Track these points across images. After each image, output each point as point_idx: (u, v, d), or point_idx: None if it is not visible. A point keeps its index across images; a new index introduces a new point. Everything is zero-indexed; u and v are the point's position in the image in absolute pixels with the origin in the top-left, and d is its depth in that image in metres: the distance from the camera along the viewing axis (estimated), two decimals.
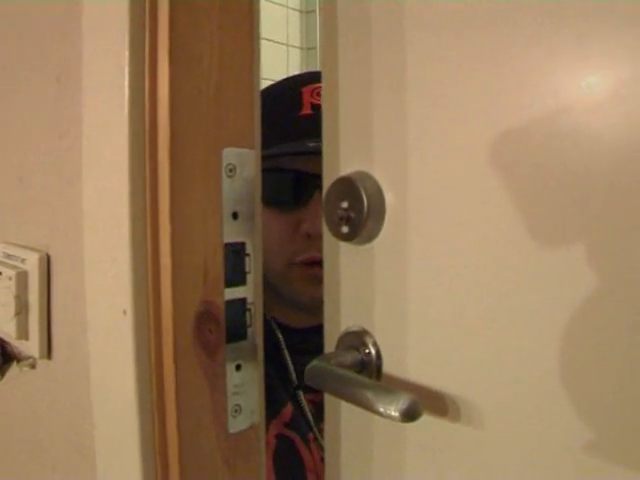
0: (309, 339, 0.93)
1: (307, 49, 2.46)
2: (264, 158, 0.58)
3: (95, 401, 0.57)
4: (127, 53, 0.48)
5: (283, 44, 2.39)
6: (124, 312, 0.50)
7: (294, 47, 2.43)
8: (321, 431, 0.89)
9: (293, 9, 2.43)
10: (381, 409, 0.45)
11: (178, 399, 0.51)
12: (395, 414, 0.44)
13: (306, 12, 2.46)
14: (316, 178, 0.81)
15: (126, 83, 0.48)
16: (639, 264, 0.37)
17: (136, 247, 0.50)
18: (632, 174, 0.37)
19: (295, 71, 2.36)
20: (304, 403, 0.91)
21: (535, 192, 0.41)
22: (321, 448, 0.89)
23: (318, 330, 0.96)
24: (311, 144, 0.81)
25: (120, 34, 0.49)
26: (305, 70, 2.41)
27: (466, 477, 0.47)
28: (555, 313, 0.41)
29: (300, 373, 0.92)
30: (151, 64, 0.49)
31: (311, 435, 0.91)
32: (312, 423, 0.90)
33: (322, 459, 0.88)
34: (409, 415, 0.44)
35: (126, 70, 0.48)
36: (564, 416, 0.41)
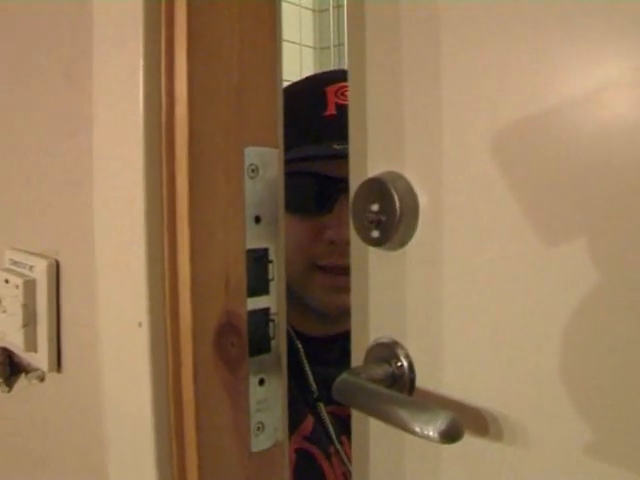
0: (329, 349, 0.91)
1: (320, 49, 2.47)
2: (286, 161, 0.56)
3: (108, 418, 0.55)
4: (142, 45, 0.45)
5: (296, 44, 2.41)
6: (139, 324, 0.48)
7: (307, 47, 2.45)
8: (343, 444, 0.88)
9: (306, 8, 2.44)
10: (417, 429, 0.43)
11: (198, 418, 0.49)
12: (434, 435, 0.42)
13: (319, 11, 2.47)
14: (341, 182, 0.79)
15: (141, 78, 0.46)
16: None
17: (152, 254, 0.47)
18: (636, 171, 0.37)
19: (308, 71, 2.37)
20: (325, 415, 0.89)
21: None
22: (343, 462, 0.88)
23: (338, 339, 0.94)
24: (337, 146, 0.79)
25: (134, 25, 0.46)
26: (318, 70, 2.41)
27: None
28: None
29: (320, 384, 0.90)
30: (168, 57, 0.47)
31: (332, 449, 0.89)
32: (334, 436, 0.89)
33: (344, 474, 0.87)
34: (449, 436, 0.42)
35: (141, 63, 0.45)
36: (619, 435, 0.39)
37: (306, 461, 0.86)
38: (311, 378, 0.90)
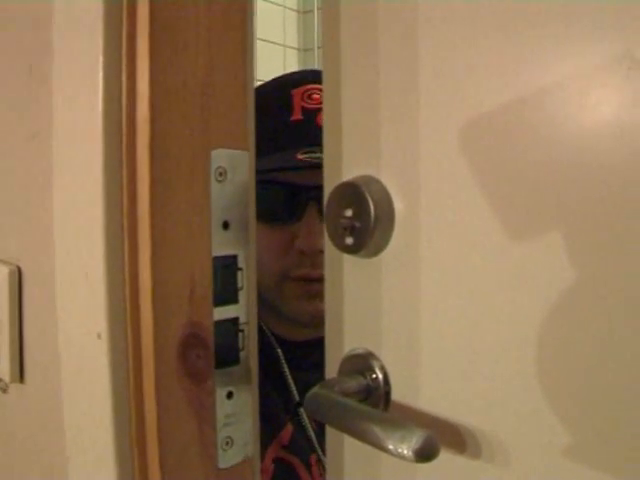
0: (310, 353, 0.90)
1: (304, 50, 2.48)
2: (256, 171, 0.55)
3: (68, 432, 0.53)
4: (101, 40, 0.43)
5: (280, 45, 2.41)
6: (98, 335, 0.46)
7: (291, 48, 2.46)
8: (325, 452, 0.87)
9: (290, 9, 2.44)
10: (391, 447, 0.42)
11: (160, 432, 0.47)
12: (408, 453, 0.41)
13: (303, 12, 2.49)
14: (309, 190, 0.78)
15: (100, 75, 0.44)
16: (616, 256, 0.37)
17: (111, 262, 0.45)
18: (610, 166, 0.38)
19: None
20: (306, 422, 0.89)
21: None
22: (325, 470, 0.86)
23: (318, 344, 0.93)
24: (301, 155, 0.77)
25: (94, 18, 0.44)
26: None
27: None
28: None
29: (301, 389, 0.89)
30: (129, 53, 0.45)
31: (314, 457, 0.88)
32: (315, 443, 0.88)
33: None
34: (424, 455, 0.41)
35: (100, 59, 0.43)
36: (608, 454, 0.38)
37: (284, 471, 0.85)
38: (292, 383, 0.89)
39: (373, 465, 0.52)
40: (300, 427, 0.88)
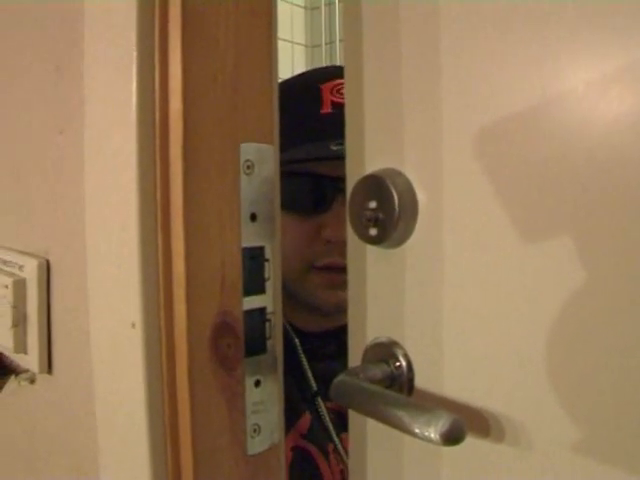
0: (327, 343, 0.92)
1: (312, 47, 2.49)
2: (284, 162, 0.56)
3: (100, 421, 0.54)
4: (135, 36, 0.44)
5: (288, 41, 2.42)
6: (133, 325, 0.47)
7: (299, 44, 2.46)
8: (342, 441, 0.89)
9: (298, 6, 2.45)
10: (417, 430, 0.43)
11: (193, 420, 0.48)
12: (435, 437, 0.42)
13: (311, 9, 2.49)
14: (338, 181, 0.79)
15: (134, 71, 0.45)
16: (625, 258, 0.38)
17: (146, 253, 0.46)
18: (621, 169, 0.38)
19: (300, 69, 2.38)
20: (324, 411, 0.90)
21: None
22: (341, 459, 0.89)
23: (335, 334, 0.95)
24: (334, 147, 0.79)
25: (127, 15, 0.45)
26: (310, 68, 2.45)
27: None
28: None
29: (319, 379, 0.91)
30: (162, 49, 0.46)
31: (331, 446, 0.89)
32: (332, 433, 0.89)
33: (341, 472, 0.88)
34: (451, 438, 0.42)
35: (134, 56, 0.44)
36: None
37: (302, 459, 0.86)
38: (309, 373, 0.91)
39: (396, 451, 0.53)
40: (317, 416, 0.90)
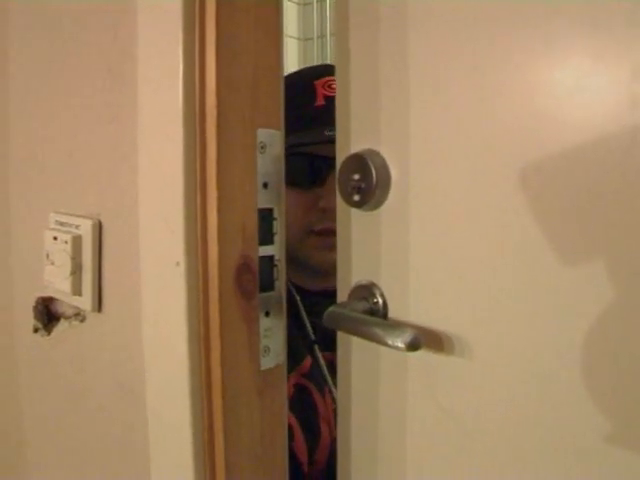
0: (322, 301, 0.99)
1: (304, 40, 2.48)
2: (287, 145, 0.65)
3: (146, 341, 0.63)
4: (181, 49, 0.56)
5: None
6: (177, 264, 0.57)
7: (292, 38, 2.46)
8: (335, 385, 0.95)
9: (291, 1, 2.45)
10: (389, 341, 0.51)
11: (222, 338, 0.58)
12: (401, 345, 0.50)
13: (304, 4, 2.49)
14: (331, 160, 0.91)
15: (181, 74, 0.56)
16: None
17: (188, 208, 0.56)
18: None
19: (293, 62, 2.38)
20: (320, 357, 0.99)
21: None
22: (334, 401, 0.96)
23: (330, 294, 1.06)
24: (327, 132, 0.90)
25: (174, 31, 0.56)
26: (302, 60, 2.44)
27: (459, 400, 0.53)
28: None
29: (317, 332, 1.00)
30: (200, 58, 0.56)
31: (326, 388, 0.98)
32: (328, 378, 0.98)
33: (334, 411, 0.95)
34: (413, 345, 0.50)
35: (180, 63, 0.56)
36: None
37: (303, 394, 0.95)
38: (309, 325, 1.00)
39: (373, 361, 0.60)
40: (316, 361, 0.99)
